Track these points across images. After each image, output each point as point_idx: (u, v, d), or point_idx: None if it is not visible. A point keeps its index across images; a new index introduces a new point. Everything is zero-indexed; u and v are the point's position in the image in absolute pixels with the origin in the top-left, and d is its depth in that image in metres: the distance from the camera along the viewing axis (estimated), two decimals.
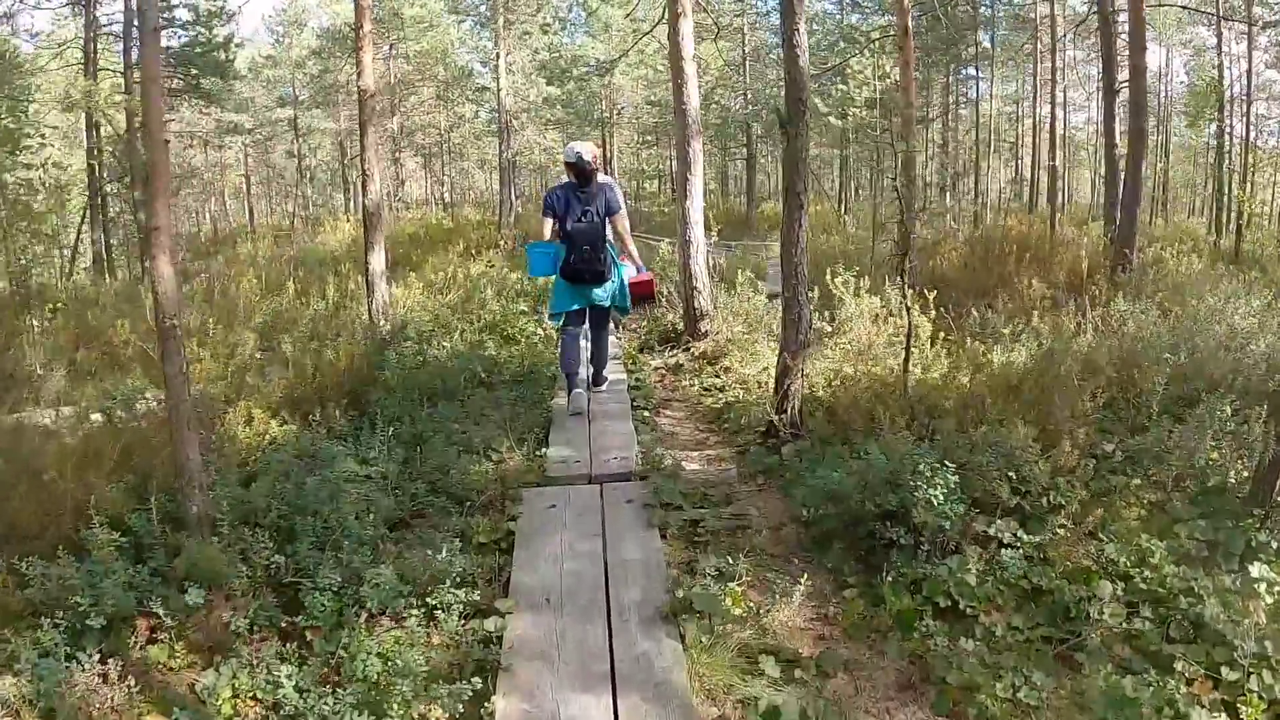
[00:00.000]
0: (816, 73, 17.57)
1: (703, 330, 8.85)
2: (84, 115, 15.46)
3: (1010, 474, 4.68)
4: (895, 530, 4.34)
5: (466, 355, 8.16)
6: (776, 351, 8.42)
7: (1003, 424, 5.27)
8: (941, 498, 4.24)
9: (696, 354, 8.66)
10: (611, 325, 7.72)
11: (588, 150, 6.46)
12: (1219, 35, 21.94)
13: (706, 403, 7.44)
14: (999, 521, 4.43)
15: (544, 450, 5.95)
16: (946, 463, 4.45)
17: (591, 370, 7.19)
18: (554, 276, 6.66)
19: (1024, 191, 28.73)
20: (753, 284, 9.48)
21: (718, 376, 8.07)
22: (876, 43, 16.41)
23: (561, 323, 6.91)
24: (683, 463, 5.86)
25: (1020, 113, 33.21)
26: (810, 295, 6.23)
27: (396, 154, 26.76)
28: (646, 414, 6.98)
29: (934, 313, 8.18)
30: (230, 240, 24.64)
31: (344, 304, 10.74)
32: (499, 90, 21.12)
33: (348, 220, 22.53)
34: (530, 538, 4.62)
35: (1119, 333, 7.74)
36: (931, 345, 7.23)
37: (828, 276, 8.22)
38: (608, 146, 28.80)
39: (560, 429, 6.37)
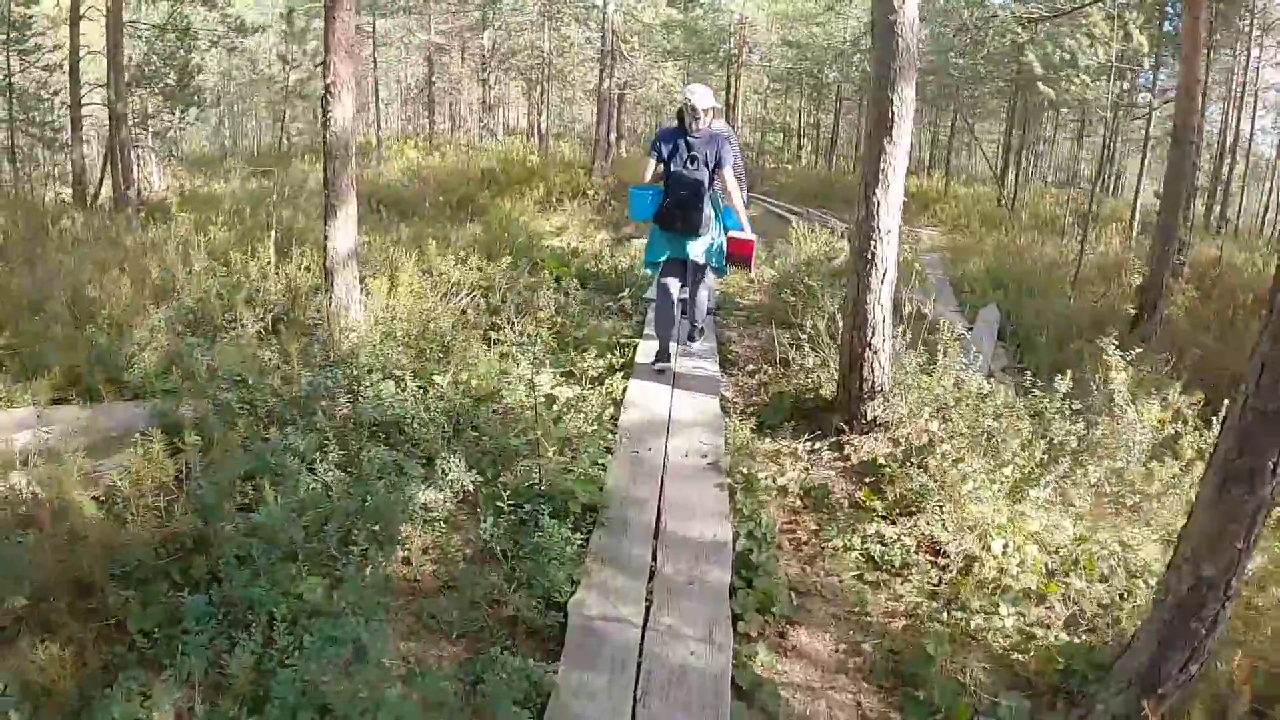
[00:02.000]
0: (1029, 17, 13.07)
1: (869, 417, 5.06)
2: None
3: None
4: None
5: (445, 433, 4.61)
6: (998, 486, 4.67)
7: None
8: None
9: (855, 464, 4.92)
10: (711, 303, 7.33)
11: (705, 94, 5.87)
12: None
13: (874, 609, 3.76)
14: None
15: None
16: None
17: (685, 329, 6.60)
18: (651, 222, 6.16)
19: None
20: (956, 337, 5.59)
21: (894, 524, 4.37)
22: None
23: (657, 274, 6.36)
24: None
25: (1151, 106, 27.41)
26: None
27: (484, 75, 23.10)
28: (761, 654, 3.30)
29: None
30: (289, 158, 21.43)
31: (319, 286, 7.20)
32: (606, 3, 17.16)
33: (414, 146, 19.10)
34: None
35: None
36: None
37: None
38: (731, 90, 24.59)
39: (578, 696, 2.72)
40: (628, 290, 8.06)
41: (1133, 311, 6.24)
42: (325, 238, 5.77)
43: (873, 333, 4.96)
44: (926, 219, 18.13)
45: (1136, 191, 15.44)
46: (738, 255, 6.29)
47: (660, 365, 6.09)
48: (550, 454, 4.37)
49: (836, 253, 9.86)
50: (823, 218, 14.96)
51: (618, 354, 6.25)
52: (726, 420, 5.37)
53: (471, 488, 4.16)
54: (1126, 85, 15.70)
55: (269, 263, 7.33)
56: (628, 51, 18.30)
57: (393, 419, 4.65)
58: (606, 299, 7.98)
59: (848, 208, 17.83)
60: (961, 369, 5.14)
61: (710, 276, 6.62)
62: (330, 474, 3.95)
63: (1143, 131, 16.24)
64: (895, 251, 4.97)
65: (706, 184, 5.82)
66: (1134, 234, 14.16)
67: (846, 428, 5.12)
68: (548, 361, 5.78)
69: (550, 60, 24.64)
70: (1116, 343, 5.04)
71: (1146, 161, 15.86)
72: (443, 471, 4.16)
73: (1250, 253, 14.06)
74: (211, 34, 13.83)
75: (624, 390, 5.60)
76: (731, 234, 6.22)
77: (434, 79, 25.35)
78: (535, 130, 27.03)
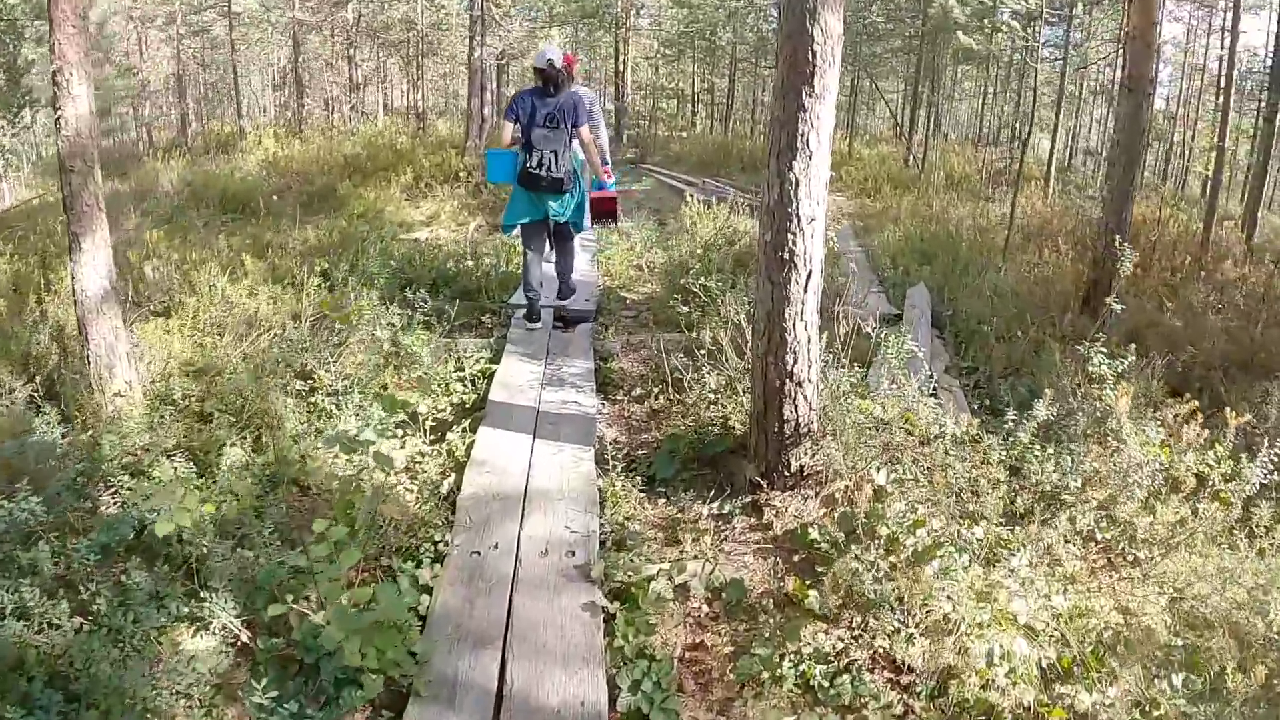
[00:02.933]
0: None
1: (794, 467, 3.86)
2: None
3: None
4: None
5: (217, 545, 3.22)
6: (968, 558, 3.43)
7: None
8: None
9: (780, 535, 3.71)
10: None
11: (558, 55, 5.84)
12: None
13: None
14: None
15: None
16: None
17: (559, 291, 6.45)
18: (512, 184, 6.06)
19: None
20: (905, 353, 4.40)
21: (836, 624, 3.20)
22: None
23: (518, 236, 6.42)
24: None
25: (1066, 59, 26.84)
26: None
27: (350, 51, 21.21)
28: None
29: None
30: (140, 157, 19.18)
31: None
32: None
33: (272, 135, 17.25)
34: None
35: None
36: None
37: None
38: (619, 56, 23.16)
39: None
40: (486, 309, 6.71)
41: (1113, 296, 5.15)
42: (72, 279, 4.30)
43: (795, 359, 3.72)
44: (831, 184, 17.11)
45: (1051, 149, 14.65)
46: (602, 211, 6.47)
47: (531, 326, 6.30)
48: (339, 594, 2.98)
49: (739, 235, 8.63)
50: (720, 189, 13.74)
51: (469, 387, 4.93)
52: (604, 480, 4.08)
53: (246, 637, 2.82)
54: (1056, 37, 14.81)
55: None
56: (500, 16, 16.73)
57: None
58: (464, 308, 6.64)
59: (746, 175, 16.64)
60: (914, 399, 3.96)
61: (591, 270, 6.59)
62: (61, 629, 2.62)
63: (1055, 87, 15.43)
64: (822, 246, 3.73)
65: (567, 143, 5.81)
66: (1051, 193, 13.35)
67: (764, 481, 3.90)
68: (374, 411, 4.40)
69: (424, 33, 22.89)
70: (1104, 350, 3.93)
71: (1061, 116, 15.06)
72: (205, 616, 2.82)
73: (1171, 209, 13.37)
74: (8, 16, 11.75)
75: (470, 445, 4.28)
76: (593, 194, 6.36)
77: (300, 60, 23.32)
78: (414, 109, 25.22)
